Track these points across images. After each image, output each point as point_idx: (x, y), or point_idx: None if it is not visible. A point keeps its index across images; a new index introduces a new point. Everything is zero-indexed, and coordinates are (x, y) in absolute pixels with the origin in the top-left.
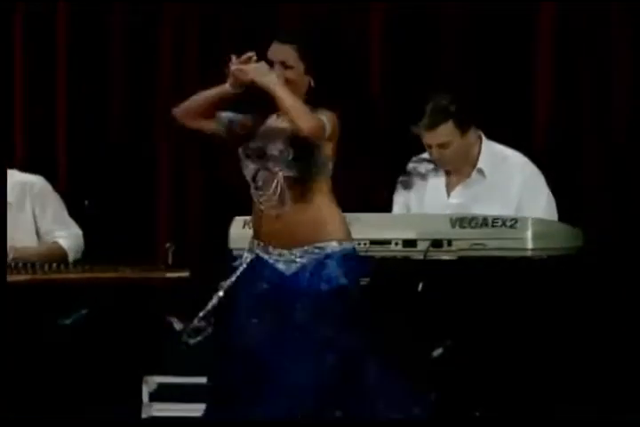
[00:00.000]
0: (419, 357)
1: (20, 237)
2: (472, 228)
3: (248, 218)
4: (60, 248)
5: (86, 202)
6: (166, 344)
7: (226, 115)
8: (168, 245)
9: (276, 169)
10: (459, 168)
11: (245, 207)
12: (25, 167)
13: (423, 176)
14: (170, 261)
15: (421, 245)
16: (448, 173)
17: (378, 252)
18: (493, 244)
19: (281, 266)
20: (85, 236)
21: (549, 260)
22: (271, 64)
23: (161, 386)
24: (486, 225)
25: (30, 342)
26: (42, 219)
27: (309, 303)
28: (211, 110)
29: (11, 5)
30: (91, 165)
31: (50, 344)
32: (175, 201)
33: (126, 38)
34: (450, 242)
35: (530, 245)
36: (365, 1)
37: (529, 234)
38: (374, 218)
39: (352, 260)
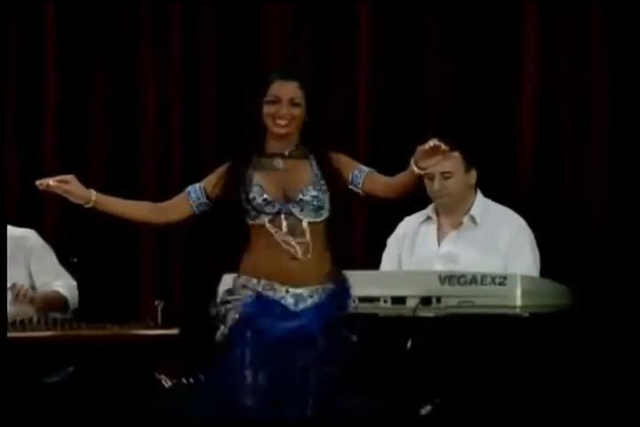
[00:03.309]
0: (407, 414)
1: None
2: (461, 285)
3: (236, 275)
4: (62, 296)
5: (74, 259)
6: (155, 402)
7: (190, 198)
8: (157, 302)
9: (302, 215)
10: (452, 211)
11: (232, 264)
12: (13, 223)
13: (415, 227)
14: (159, 318)
15: (410, 303)
16: (440, 222)
17: (367, 309)
18: (482, 301)
19: (290, 300)
20: None
21: (538, 317)
22: (278, 101)
23: None
24: (475, 282)
25: (17, 399)
26: (38, 272)
27: (326, 341)
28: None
29: None
30: (77, 222)
31: (37, 402)
32: (160, 259)
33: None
34: (439, 299)
35: (519, 302)
36: (353, 42)
37: (518, 291)
38: (363, 275)
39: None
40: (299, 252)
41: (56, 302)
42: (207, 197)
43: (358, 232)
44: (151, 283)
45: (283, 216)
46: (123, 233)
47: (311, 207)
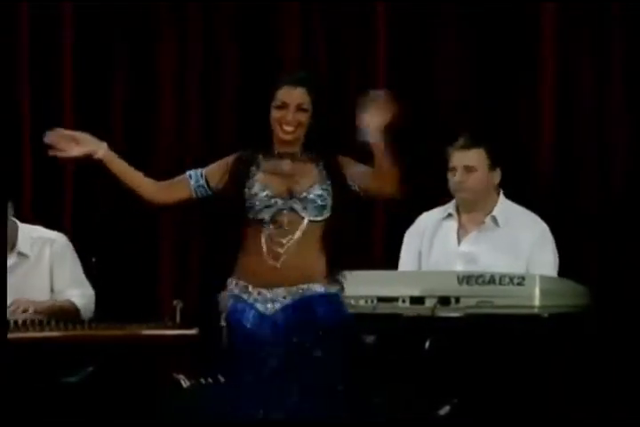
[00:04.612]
0: (425, 415)
1: (33, 290)
2: (479, 285)
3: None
4: (74, 306)
5: (93, 259)
6: (173, 402)
7: (190, 182)
8: (176, 302)
9: (304, 213)
10: (473, 209)
11: None
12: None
13: (435, 223)
14: (178, 318)
15: (429, 303)
16: (461, 220)
17: (385, 309)
18: (501, 301)
19: (259, 306)
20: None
21: (557, 317)
22: (285, 107)
23: None
24: (494, 282)
25: (35, 399)
26: (58, 276)
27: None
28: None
29: None
30: (96, 222)
31: (55, 402)
32: (179, 258)
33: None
34: (457, 299)
35: (537, 302)
36: (370, 42)
37: (536, 291)
38: (382, 275)
39: (335, 303)
40: (279, 256)
41: (67, 311)
42: (207, 185)
43: (377, 232)
44: (170, 283)
45: (285, 212)
46: (141, 233)
47: (315, 205)
